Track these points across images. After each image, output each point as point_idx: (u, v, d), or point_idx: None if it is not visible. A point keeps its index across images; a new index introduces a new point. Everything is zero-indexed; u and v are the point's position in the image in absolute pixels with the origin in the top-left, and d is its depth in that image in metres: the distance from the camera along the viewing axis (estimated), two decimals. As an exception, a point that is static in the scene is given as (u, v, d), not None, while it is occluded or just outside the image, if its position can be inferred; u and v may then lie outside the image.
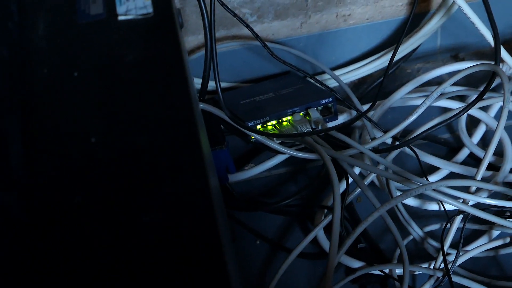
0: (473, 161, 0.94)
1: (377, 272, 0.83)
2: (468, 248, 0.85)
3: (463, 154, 0.95)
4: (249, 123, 0.91)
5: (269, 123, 0.92)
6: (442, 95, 0.95)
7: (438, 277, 0.81)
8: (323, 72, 1.04)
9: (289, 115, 0.93)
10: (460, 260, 0.83)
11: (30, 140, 0.54)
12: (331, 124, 0.94)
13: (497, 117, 0.87)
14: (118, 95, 0.57)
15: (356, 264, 0.83)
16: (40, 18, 0.64)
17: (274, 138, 0.90)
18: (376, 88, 1.06)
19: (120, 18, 0.63)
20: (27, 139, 0.54)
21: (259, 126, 0.91)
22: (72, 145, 0.53)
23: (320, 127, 0.91)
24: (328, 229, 0.83)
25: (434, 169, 0.93)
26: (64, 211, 0.49)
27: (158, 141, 0.53)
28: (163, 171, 0.51)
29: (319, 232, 0.85)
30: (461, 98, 0.99)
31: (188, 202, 0.49)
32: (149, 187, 0.50)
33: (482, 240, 0.86)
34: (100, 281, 0.45)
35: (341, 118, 0.98)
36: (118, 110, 0.56)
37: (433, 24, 1.03)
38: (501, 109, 0.85)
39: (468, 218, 0.84)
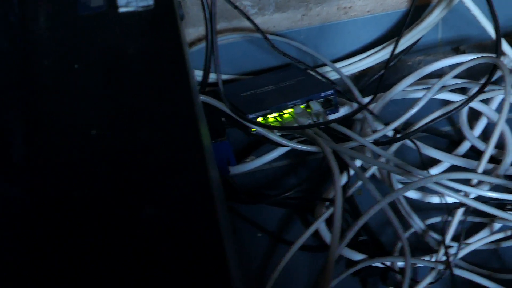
0: (474, 154, 0.94)
1: (378, 264, 0.82)
2: (470, 241, 0.85)
3: (464, 147, 0.95)
4: (250, 116, 0.90)
5: (270, 116, 0.92)
6: (443, 88, 0.95)
7: (440, 270, 0.81)
8: (324, 65, 1.04)
9: (290, 108, 0.92)
10: (462, 253, 0.83)
11: (32, 133, 0.54)
12: (332, 117, 0.94)
13: (499, 110, 0.87)
14: (118, 87, 0.57)
15: (357, 256, 0.83)
16: (41, 10, 0.64)
17: (275, 131, 0.90)
18: (377, 80, 1.06)
19: (121, 10, 0.63)
20: (28, 132, 0.54)
21: (260, 119, 0.91)
22: (73, 138, 0.53)
23: (321, 120, 0.91)
24: (329, 222, 0.83)
25: (435, 161, 0.92)
26: (65, 204, 0.49)
27: (158, 134, 0.53)
28: (164, 164, 0.51)
29: (320, 224, 0.85)
30: (462, 90, 0.99)
31: (189, 195, 0.49)
32: (150, 180, 0.50)
33: (484, 233, 0.86)
34: (102, 273, 0.45)
35: (342, 111, 0.98)
36: (119, 102, 0.56)
37: (434, 17, 1.03)
38: (502, 101, 0.85)
39: (470, 211, 0.84)
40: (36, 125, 0.54)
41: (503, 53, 0.97)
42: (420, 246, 0.86)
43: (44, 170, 0.51)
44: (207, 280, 0.44)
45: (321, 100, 0.94)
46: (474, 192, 0.83)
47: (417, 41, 1.06)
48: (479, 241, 0.84)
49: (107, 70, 0.58)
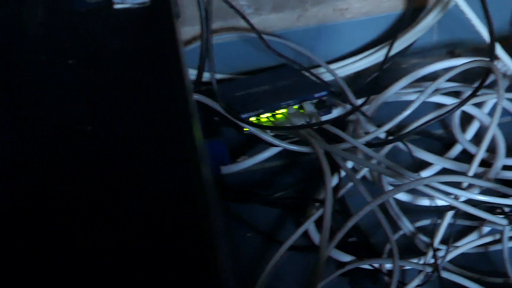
0: (466, 157, 0.94)
1: (367, 266, 0.83)
2: (459, 244, 0.85)
3: (456, 150, 0.95)
4: (243, 115, 0.91)
5: (263, 116, 0.92)
6: (436, 91, 0.95)
7: (428, 273, 0.81)
8: (319, 66, 1.04)
9: (283, 108, 0.93)
10: (450, 256, 0.83)
11: (21, 128, 0.54)
12: (325, 118, 0.95)
13: (491, 113, 0.88)
14: (113, 84, 0.57)
15: (346, 258, 0.83)
16: (37, 5, 0.64)
17: (268, 131, 0.90)
18: (371, 82, 1.06)
19: (116, 6, 0.63)
20: (18, 127, 0.54)
21: (253, 118, 0.91)
22: (63, 134, 0.53)
23: (314, 121, 0.92)
24: (319, 223, 0.83)
25: (426, 164, 0.93)
26: (49, 200, 0.49)
27: (152, 131, 0.53)
28: (156, 161, 0.51)
29: (310, 225, 0.85)
30: (455, 94, 0.99)
31: (181, 192, 0.49)
32: (142, 176, 0.50)
33: (473, 236, 0.86)
34: (88, 268, 0.45)
35: (335, 112, 0.98)
36: (113, 99, 0.56)
37: (429, 20, 1.03)
38: (495, 106, 0.86)
39: (459, 214, 0.84)
40: (27, 121, 0.55)
41: (496, 57, 0.98)
42: (409, 248, 0.86)
43: (29, 166, 0.51)
44: (198, 279, 0.44)
45: (314, 101, 0.94)
46: (464, 195, 0.83)
47: (412, 44, 1.06)
48: (468, 244, 0.84)
49: (102, 67, 0.59)
